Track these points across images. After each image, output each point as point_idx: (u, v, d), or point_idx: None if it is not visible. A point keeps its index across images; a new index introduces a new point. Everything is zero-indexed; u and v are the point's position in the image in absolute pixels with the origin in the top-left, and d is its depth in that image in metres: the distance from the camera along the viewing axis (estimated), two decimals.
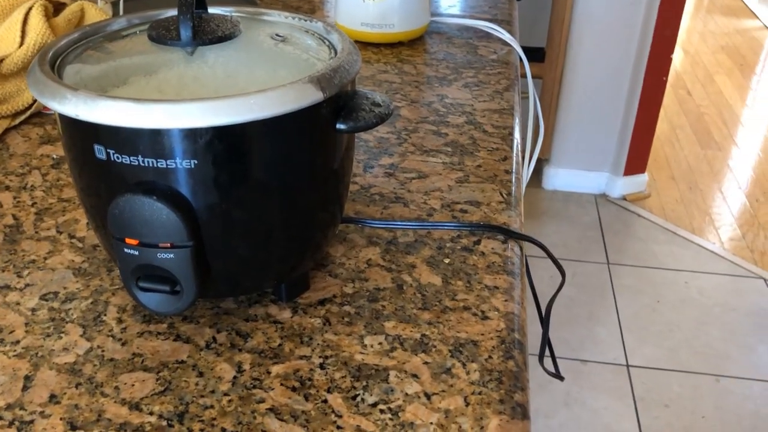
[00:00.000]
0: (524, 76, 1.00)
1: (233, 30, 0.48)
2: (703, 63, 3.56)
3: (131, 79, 0.51)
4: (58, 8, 0.85)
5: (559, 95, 2.28)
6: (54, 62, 0.48)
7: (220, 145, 0.42)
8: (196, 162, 0.42)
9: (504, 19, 1.12)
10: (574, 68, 2.23)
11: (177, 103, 0.40)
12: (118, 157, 0.42)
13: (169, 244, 0.44)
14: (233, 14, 0.54)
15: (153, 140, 0.41)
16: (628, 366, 1.69)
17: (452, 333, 0.49)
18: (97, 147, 0.43)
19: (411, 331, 0.49)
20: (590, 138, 2.30)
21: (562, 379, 0.76)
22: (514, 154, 0.74)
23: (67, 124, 0.44)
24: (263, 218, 0.46)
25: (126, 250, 0.44)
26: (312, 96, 0.43)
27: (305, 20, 0.54)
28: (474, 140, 0.76)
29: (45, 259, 0.57)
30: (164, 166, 0.42)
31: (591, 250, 2.11)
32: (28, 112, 0.79)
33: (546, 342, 0.65)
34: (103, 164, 0.43)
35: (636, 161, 2.31)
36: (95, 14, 0.85)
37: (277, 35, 0.51)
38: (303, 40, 0.52)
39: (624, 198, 2.35)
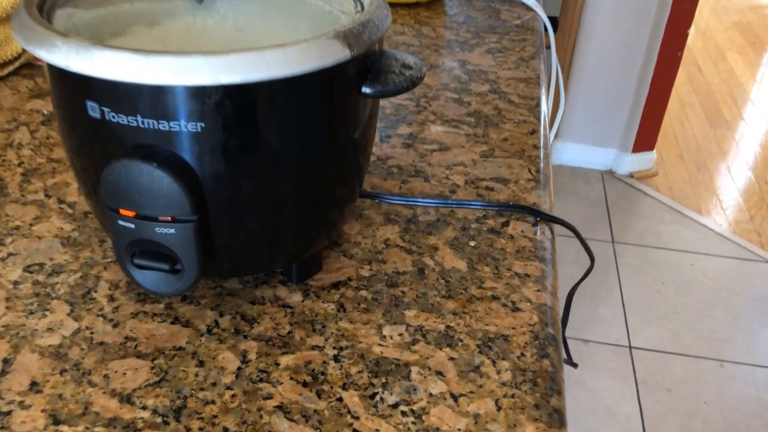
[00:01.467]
0: (548, 46, 0.94)
1: None
2: (714, 40, 3.49)
3: (131, 28, 0.45)
4: None
5: (570, 67, 2.21)
6: (42, 5, 0.42)
7: (231, 106, 0.36)
8: (203, 125, 0.36)
9: None
10: (587, 39, 2.16)
11: (183, 56, 0.34)
12: (113, 117, 0.37)
13: (170, 218, 0.38)
14: None
15: (154, 98, 0.36)
16: (630, 348, 1.66)
17: (480, 325, 0.44)
18: (90, 104, 0.37)
19: (434, 322, 0.44)
20: (600, 113, 2.24)
21: (575, 366, 0.72)
22: (542, 128, 0.69)
23: (56, 76, 0.39)
24: (276, 191, 0.41)
25: (120, 222, 0.39)
26: (338, 54, 0.37)
27: None
28: (499, 111, 0.70)
29: (31, 225, 0.51)
30: (166, 128, 0.36)
31: (596, 227, 2.07)
32: (18, 63, 0.73)
33: (563, 329, 0.61)
34: (97, 124, 0.38)
35: (645, 138, 2.25)
36: None
37: None
38: None
39: (631, 175, 2.30)
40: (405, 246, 0.51)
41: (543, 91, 0.76)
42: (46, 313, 0.44)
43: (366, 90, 0.41)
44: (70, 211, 0.53)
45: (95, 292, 0.46)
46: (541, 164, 0.62)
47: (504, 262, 0.50)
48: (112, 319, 0.44)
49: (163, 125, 0.36)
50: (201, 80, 0.35)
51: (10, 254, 0.48)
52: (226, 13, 0.42)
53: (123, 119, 0.37)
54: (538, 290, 0.48)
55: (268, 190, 0.40)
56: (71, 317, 0.44)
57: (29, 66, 0.74)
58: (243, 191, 0.40)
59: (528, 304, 0.46)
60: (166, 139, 0.37)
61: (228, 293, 0.46)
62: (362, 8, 0.44)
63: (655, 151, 2.31)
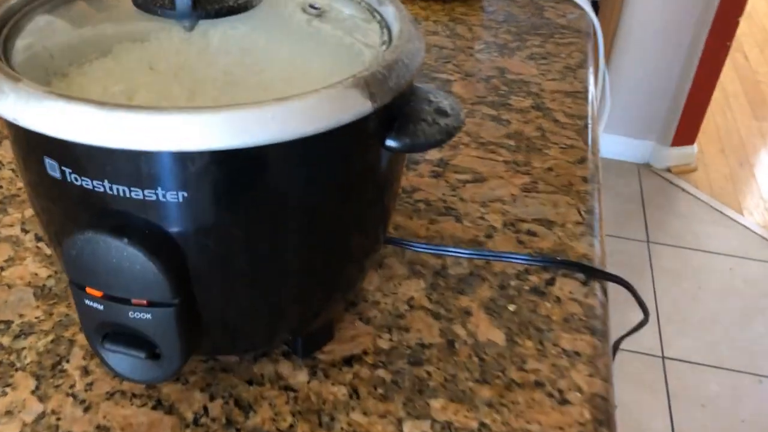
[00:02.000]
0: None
1: None
2: (762, 24, 3.31)
3: (117, 47, 0.38)
4: None
5: (610, 54, 2.10)
6: (8, 19, 0.35)
7: (221, 172, 0.29)
8: (185, 194, 0.29)
9: None
10: (629, 25, 2.04)
11: (160, 114, 0.27)
12: (76, 179, 0.30)
13: (145, 302, 0.31)
14: None
15: (126, 162, 0.28)
16: (663, 358, 1.57)
17: (520, 423, 0.37)
18: (48, 161, 0.30)
19: (466, 417, 0.37)
20: (639, 102, 2.13)
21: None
22: (591, 154, 0.60)
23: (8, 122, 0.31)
24: (277, 264, 0.33)
25: (87, 302, 0.32)
26: (357, 107, 0.30)
27: None
28: (543, 132, 0.62)
29: (2, 269, 0.45)
30: (141, 197, 0.29)
31: (631, 225, 1.97)
32: None
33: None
34: (58, 184, 0.30)
35: (686, 131, 2.14)
36: None
37: (311, 6, 0.37)
38: (346, 13, 0.38)
39: (669, 170, 2.19)
40: (432, 308, 0.44)
41: (590, 107, 0.68)
42: (7, 389, 0.37)
43: (391, 144, 0.33)
44: (47, 251, 0.46)
45: (67, 362, 0.39)
46: (593, 202, 0.54)
47: (549, 335, 0.42)
48: (83, 400, 0.37)
49: (137, 193, 0.29)
50: (184, 145, 0.27)
51: None
52: (221, 45, 0.34)
53: (88, 183, 0.29)
54: (590, 375, 0.40)
55: (268, 264, 0.33)
56: (36, 396, 0.37)
57: None
58: (236, 266, 0.32)
59: (578, 394, 0.39)
60: (141, 208, 0.30)
61: (222, 368, 0.39)
62: (389, 39, 0.35)
63: (695, 145, 2.19)
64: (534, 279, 0.46)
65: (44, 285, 0.44)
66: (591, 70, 0.74)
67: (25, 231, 0.48)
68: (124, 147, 0.27)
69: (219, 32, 0.35)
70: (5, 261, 0.45)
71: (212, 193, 0.29)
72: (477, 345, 0.41)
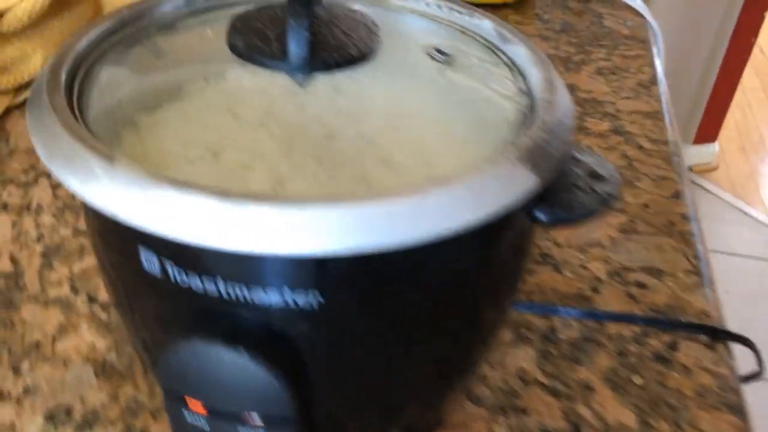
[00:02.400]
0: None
1: (370, 41, 0.29)
2: None
3: (189, 86, 0.32)
4: None
5: None
6: (73, 75, 0.29)
7: (366, 275, 0.23)
8: (321, 300, 0.24)
9: None
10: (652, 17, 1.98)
11: (291, 207, 0.21)
12: (182, 278, 0.24)
13: (259, 420, 0.26)
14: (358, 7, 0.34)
15: (248, 261, 0.23)
16: None
17: None
18: (145, 254, 0.24)
19: None
20: None
21: None
22: (684, 186, 0.55)
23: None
24: (410, 367, 0.28)
25: (186, 415, 0.27)
26: (522, 184, 0.24)
27: (463, 13, 0.35)
28: (629, 161, 0.57)
29: (54, 340, 0.39)
30: (264, 303, 0.24)
31: None
32: None
33: None
34: (155, 282, 0.25)
35: (708, 129, 2.08)
36: None
37: (438, 51, 0.31)
38: (473, 55, 0.32)
39: (690, 169, 2.14)
40: (548, 383, 0.38)
41: (673, 130, 0.62)
42: None
43: (542, 217, 0.28)
44: (103, 316, 0.40)
45: None
46: (698, 245, 0.49)
47: (685, 414, 0.37)
48: None
49: (260, 298, 0.24)
50: (325, 246, 0.22)
51: (27, 390, 0.36)
52: (341, 104, 0.28)
53: (197, 284, 0.24)
54: None
55: (402, 366, 0.28)
56: None
57: None
58: (365, 374, 0.27)
59: None
60: (262, 314, 0.24)
61: None
62: (527, 87, 0.30)
63: (717, 142, 2.14)
64: (654, 343, 0.41)
65: (105, 360, 0.38)
66: (665, 87, 0.68)
67: (75, 290, 0.42)
68: (249, 250, 0.21)
69: (331, 85, 0.29)
70: (57, 329, 0.40)
71: (353, 298, 0.24)
72: (608, 430, 0.36)
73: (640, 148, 0.58)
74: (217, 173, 0.28)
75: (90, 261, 0.44)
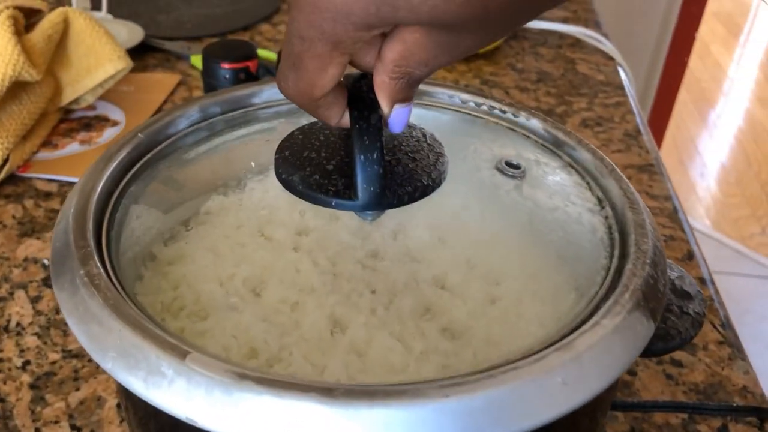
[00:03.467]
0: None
1: (439, 164, 0.26)
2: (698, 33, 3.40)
3: (215, 210, 0.29)
4: (30, 16, 0.60)
5: None
6: (100, 219, 0.25)
7: None
8: None
9: (588, 18, 0.90)
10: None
11: (411, 405, 0.18)
12: None
13: None
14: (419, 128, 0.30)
15: None
16: None
17: None
18: None
19: None
20: None
21: None
22: (695, 246, 0.54)
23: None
24: None
25: None
26: (642, 333, 0.22)
27: (507, 113, 0.32)
28: None
29: None
30: None
31: None
32: (2, 173, 0.54)
33: None
34: None
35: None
36: (84, 26, 0.60)
37: (507, 165, 0.29)
38: (541, 162, 0.30)
39: None
40: None
41: (670, 184, 0.62)
42: None
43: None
44: None
45: None
46: (721, 313, 0.48)
47: None
48: None
49: None
50: None
51: None
52: (410, 241, 0.25)
53: None
54: None
55: None
56: None
57: (13, 180, 0.56)
58: None
59: None
60: None
61: None
62: (606, 198, 0.28)
63: None
64: (704, 430, 0.39)
65: None
66: (650, 135, 0.68)
67: (76, 429, 0.37)
68: None
69: (393, 222, 0.26)
70: None
71: None
72: None
73: None
74: (262, 315, 0.25)
75: (88, 389, 0.39)
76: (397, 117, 0.23)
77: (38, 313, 0.44)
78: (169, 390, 0.19)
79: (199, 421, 0.18)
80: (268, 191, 0.33)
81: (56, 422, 0.38)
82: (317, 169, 0.25)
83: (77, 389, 0.39)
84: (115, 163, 0.27)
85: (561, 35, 0.85)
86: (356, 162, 0.23)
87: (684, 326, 0.26)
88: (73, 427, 0.37)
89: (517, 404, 0.19)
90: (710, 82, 2.90)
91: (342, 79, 0.23)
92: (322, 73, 0.21)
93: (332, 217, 0.32)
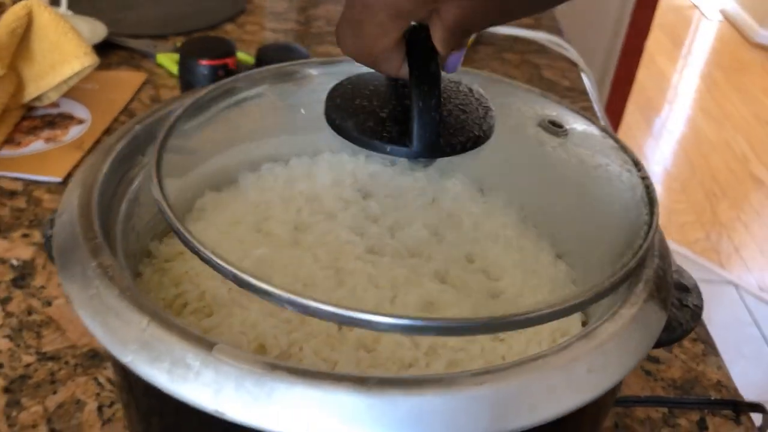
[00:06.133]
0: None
1: (488, 118, 0.27)
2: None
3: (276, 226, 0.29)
4: None
5: None
6: (100, 213, 0.24)
7: None
8: None
9: (551, 25, 0.92)
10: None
11: (455, 394, 0.18)
12: None
13: None
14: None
15: None
16: None
17: None
18: None
19: None
20: None
21: None
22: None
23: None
24: None
25: None
26: (656, 323, 0.23)
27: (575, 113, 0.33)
28: None
29: None
30: None
31: None
32: None
33: None
34: None
35: None
36: (49, 20, 0.58)
37: (551, 123, 0.30)
38: (581, 127, 0.31)
39: None
40: None
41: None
42: None
43: None
44: None
45: None
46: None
47: None
48: None
49: None
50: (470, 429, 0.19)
51: None
52: (459, 193, 0.26)
53: None
54: None
55: None
56: None
57: None
58: None
59: None
60: None
61: None
62: (635, 165, 0.29)
63: None
64: (684, 423, 0.40)
65: None
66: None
67: None
68: None
69: (441, 171, 0.26)
70: None
71: None
72: None
73: None
74: (269, 311, 0.24)
75: (67, 393, 0.38)
76: (452, 61, 0.25)
77: (9, 314, 0.42)
78: (195, 382, 0.18)
79: (229, 414, 0.18)
80: (263, 188, 0.33)
81: (34, 426, 0.36)
82: (370, 116, 0.25)
83: (54, 392, 0.38)
84: (112, 157, 0.27)
85: (527, 41, 0.86)
86: (414, 108, 0.24)
87: (685, 318, 0.27)
88: (52, 431, 0.36)
89: (546, 391, 0.19)
90: (656, 90, 2.99)
91: None
92: (383, 38, 0.23)
93: (329, 214, 0.32)
